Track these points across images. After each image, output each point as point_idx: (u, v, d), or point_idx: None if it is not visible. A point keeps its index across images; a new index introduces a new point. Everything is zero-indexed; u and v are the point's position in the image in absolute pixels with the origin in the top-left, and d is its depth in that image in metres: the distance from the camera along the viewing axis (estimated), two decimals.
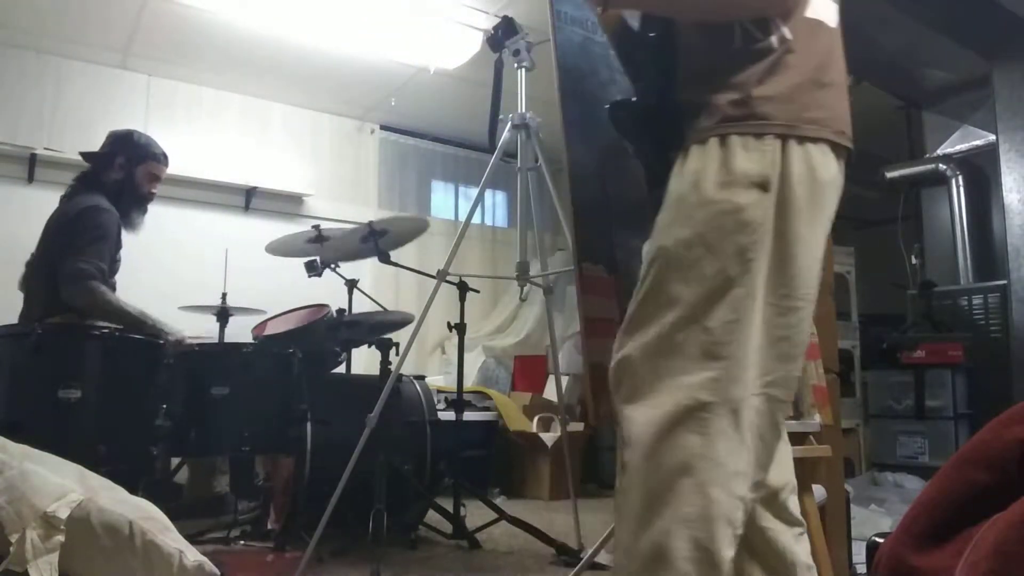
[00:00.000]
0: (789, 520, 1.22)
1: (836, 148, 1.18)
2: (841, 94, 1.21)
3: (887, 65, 4.29)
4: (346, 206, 4.89)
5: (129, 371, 2.33)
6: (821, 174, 1.16)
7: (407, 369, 3.08)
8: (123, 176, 2.76)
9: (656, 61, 1.26)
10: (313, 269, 2.95)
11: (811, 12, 1.19)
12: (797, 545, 1.22)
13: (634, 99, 1.30)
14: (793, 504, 1.24)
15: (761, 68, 1.16)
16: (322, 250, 2.94)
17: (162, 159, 2.87)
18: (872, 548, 0.56)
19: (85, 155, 2.82)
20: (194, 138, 4.53)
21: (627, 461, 1.11)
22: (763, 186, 1.12)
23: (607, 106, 1.33)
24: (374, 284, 4.27)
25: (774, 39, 1.16)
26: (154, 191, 2.86)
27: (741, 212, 1.11)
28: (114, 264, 2.73)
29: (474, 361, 5.00)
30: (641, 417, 1.10)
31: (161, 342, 2.48)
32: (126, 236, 2.79)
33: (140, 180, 2.80)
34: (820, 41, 1.20)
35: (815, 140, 1.16)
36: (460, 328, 2.93)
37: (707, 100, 1.17)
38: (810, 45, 1.18)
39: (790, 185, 1.13)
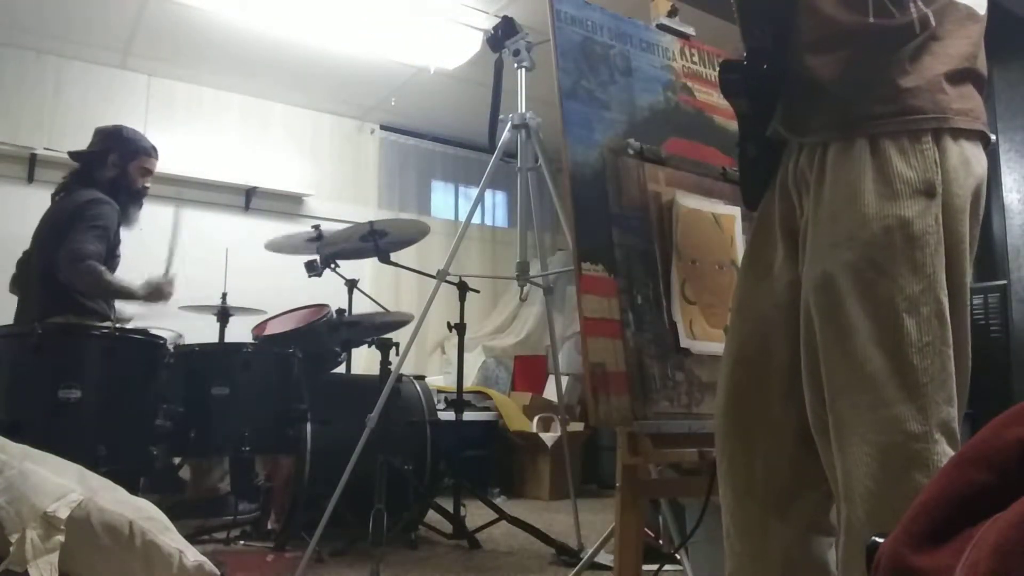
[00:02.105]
0: (828, 530, 1.21)
1: (984, 139, 1.11)
2: (983, 85, 1.14)
3: None
4: (346, 206, 4.89)
5: (129, 371, 2.33)
6: (975, 168, 1.09)
7: (407, 369, 3.08)
8: (117, 173, 2.76)
9: (772, 22, 1.18)
10: (313, 269, 2.95)
11: None
12: (829, 554, 1.20)
13: (744, 60, 1.22)
14: (833, 514, 1.21)
15: (904, 55, 1.08)
16: (322, 249, 2.94)
17: (153, 152, 2.87)
18: (872, 548, 0.56)
19: (75, 154, 2.81)
20: (194, 138, 4.54)
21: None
22: (928, 192, 1.04)
23: (718, 67, 1.26)
24: (374, 284, 4.28)
25: (915, 20, 1.07)
26: (147, 185, 2.86)
27: (909, 226, 1.03)
28: (114, 260, 2.73)
29: (474, 361, 5.00)
30: (848, 463, 1.04)
31: (162, 341, 2.48)
32: (125, 235, 2.79)
33: (134, 175, 2.80)
34: (971, 30, 1.13)
35: (968, 133, 1.08)
36: (460, 328, 2.93)
37: (846, 88, 1.10)
38: (960, 33, 1.11)
39: (950, 184, 1.05)
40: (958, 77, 1.09)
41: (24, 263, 2.74)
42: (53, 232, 2.62)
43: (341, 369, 3.32)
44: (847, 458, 1.04)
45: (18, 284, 2.76)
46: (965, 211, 1.07)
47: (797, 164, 1.18)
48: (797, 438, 1.19)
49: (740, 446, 1.24)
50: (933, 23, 1.08)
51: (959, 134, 1.08)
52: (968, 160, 1.08)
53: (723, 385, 1.28)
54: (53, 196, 2.76)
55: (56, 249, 2.55)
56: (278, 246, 3.07)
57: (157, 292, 2.72)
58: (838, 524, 1.09)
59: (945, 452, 1.00)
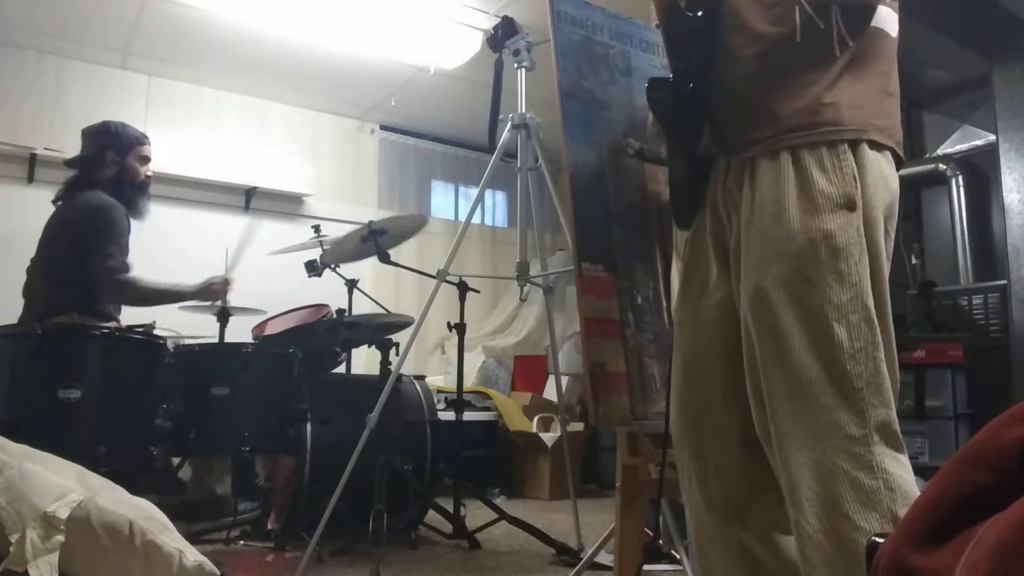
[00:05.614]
0: (787, 529, 1.23)
1: (897, 158, 1.16)
2: (898, 105, 1.18)
3: None
4: (346, 206, 4.89)
5: (129, 371, 2.33)
6: (891, 185, 1.13)
7: (407, 369, 3.08)
8: (117, 169, 2.74)
9: (698, 43, 1.21)
10: (313, 269, 2.95)
11: (876, 21, 1.17)
12: (794, 552, 1.22)
13: (671, 79, 1.25)
14: (789, 513, 1.24)
15: (826, 72, 1.12)
16: (322, 249, 2.94)
17: (144, 140, 2.85)
18: (872, 548, 0.56)
19: (72, 161, 2.78)
20: (194, 138, 4.53)
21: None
22: (849, 206, 1.08)
23: (646, 84, 1.30)
24: (374, 284, 4.28)
25: (834, 40, 1.12)
26: (149, 174, 2.85)
27: (832, 238, 1.07)
28: None
29: (474, 361, 5.00)
30: (793, 468, 1.07)
31: (162, 341, 2.48)
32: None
33: (134, 167, 2.78)
34: (885, 49, 1.18)
35: (882, 148, 1.13)
36: (460, 328, 2.93)
37: (770, 105, 1.14)
38: (874, 53, 1.16)
39: (870, 199, 1.10)
40: (875, 95, 1.15)
41: (32, 270, 2.72)
42: (63, 235, 2.60)
43: (341, 369, 3.32)
44: (792, 464, 1.08)
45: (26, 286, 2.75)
46: (881, 223, 1.12)
47: (726, 184, 1.23)
48: (743, 447, 1.24)
49: (696, 463, 1.29)
50: (851, 43, 1.13)
51: (875, 147, 1.12)
52: (886, 177, 1.13)
53: (674, 405, 1.32)
54: (54, 202, 2.73)
55: (67, 252, 2.55)
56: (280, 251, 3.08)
57: (208, 291, 2.77)
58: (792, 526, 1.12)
59: (885, 453, 1.04)
